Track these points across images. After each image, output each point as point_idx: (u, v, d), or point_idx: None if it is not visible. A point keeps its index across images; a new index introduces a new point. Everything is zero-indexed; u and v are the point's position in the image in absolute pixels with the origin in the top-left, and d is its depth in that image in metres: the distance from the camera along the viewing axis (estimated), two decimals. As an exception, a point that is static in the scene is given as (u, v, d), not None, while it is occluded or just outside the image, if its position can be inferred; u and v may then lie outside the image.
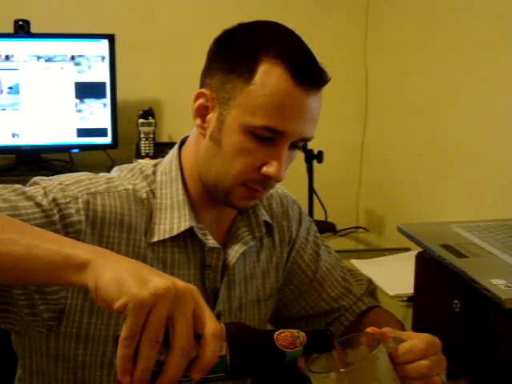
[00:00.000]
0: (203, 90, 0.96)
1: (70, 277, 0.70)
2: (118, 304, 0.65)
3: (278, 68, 0.90)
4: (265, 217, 1.07)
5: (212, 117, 0.95)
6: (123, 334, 0.65)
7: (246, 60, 0.91)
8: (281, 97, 0.89)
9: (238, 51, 0.93)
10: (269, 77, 0.89)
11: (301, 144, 0.97)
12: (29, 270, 0.72)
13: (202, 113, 0.96)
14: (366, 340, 0.81)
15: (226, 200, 0.96)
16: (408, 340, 0.84)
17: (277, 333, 0.72)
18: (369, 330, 0.82)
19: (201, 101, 0.96)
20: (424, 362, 0.82)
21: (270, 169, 0.92)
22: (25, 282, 0.77)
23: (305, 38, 0.97)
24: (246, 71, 0.91)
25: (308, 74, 0.91)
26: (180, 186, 0.99)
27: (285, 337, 0.72)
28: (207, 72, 0.97)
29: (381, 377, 0.78)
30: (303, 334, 0.73)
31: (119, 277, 0.68)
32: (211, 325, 0.67)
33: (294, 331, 0.73)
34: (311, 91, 0.91)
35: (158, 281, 0.67)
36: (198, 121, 0.97)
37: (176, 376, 0.65)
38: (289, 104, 0.90)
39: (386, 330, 0.85)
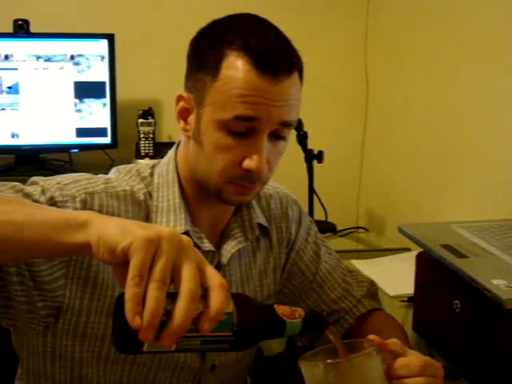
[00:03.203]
0: (182, 93, 0.97)
1: (72, 236, 0.68)
2: (122, 245, 0.64)
3: (241, 60, 0.89)
4: (259, 219, 1.07)
5: (192, 118, 0.95)
6: (130, 273, 0.62)
7: (212, 56, 0.91)
8: (247, 88, 0.88)
9: (204, 49, 0.93)
10: (233, 70, 0.89)
11: (284, 132, 0.94)
12: (30, 236, 0.70)
13: (184, 115, 0.97)
14: (366, 346, 0.80)
15: (219, 198, 0.96)
16: (407, 356, 0.83)
17: (276, 305, 0.74)
18: (371, 337, 0.81)
19: (181, 104, 0.97)
20: (419, 380, 0.81)
21: (250, 162, 0.91)
22: (27, 251, 0.73)
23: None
24: (212, 67, 0.91)
25: (271, 61, 0.89)
26: (176, 188, 0.99)
27: (284, 308, 0.73)
28: (186, 74, 0.98)
29: (367, 378, 0.78)
30: (301, 309, 0.74)
31: (123, 224, 0.67)
32: (217, 277, 0.66)
33: (292, 306, 0.74)
34: (278, 78, 0.89)
35: (161, 227, 0.67)
36: (182, 124, 0.98)
37: (185, 321, 0.62)
38: (256, 94, 0.89)
39: (392, 342, 0.84)
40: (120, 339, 0.65)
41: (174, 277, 0.64)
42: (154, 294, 0.62)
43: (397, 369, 0.81)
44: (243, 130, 0.90)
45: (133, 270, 0.62)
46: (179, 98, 0.97)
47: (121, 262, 0.65)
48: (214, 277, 0.66)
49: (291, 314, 0.73)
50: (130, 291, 0.62)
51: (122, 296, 0.64)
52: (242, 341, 0.69)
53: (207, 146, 0.93)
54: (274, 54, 0.90)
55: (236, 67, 0.89)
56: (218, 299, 0.64)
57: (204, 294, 0.65)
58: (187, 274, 0.64)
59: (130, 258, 0.63)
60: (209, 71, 0.91)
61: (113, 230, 0.66)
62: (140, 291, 0.62)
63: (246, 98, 0.88)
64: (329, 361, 0.76)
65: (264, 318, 0.72)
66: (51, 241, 0.69)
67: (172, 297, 0.63)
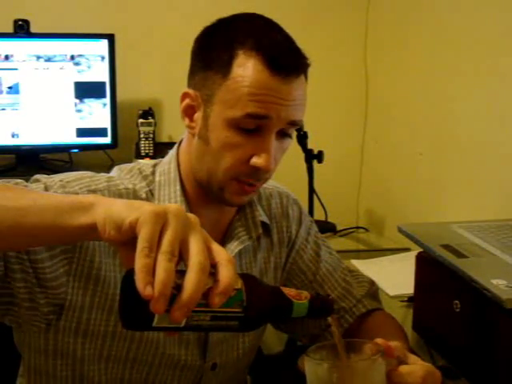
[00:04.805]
0: (187, 90, 0.97)
1: (78, 219, 0.67)
2: (129, 219, 0.63)
3: (253, 60, 0.90)
4: (262, 217, 1.08)
5: (198, 115, 0.96)
6: (139, 245, 0.61)
7: (222, 55, 0.92)
8: (259, 87, 0.90)
9: (214, 47, 0.94)
10: (245, 69, 0.90)
11: (290, 130, 0.96)
12: (34, 221, 0.69)
13: (189, 113, 0.98)
14: (371, 348, 0.81)
15: (219, 197, 0.97)
16: (410, 363, 0.84)
17: (282, 287, 0.74)
18: (378, 340, 0.81)
19: (186, 101, 0.97)
20: None
21: (258, 160, 0.92)
22: (31, 236, 0.71)
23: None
24: (223, 66, 0.92)
25: (283, 62, 0.91)
26: (178, 187, 0.99)
27: (290, 290, 0.74)
28: (190, 71, 0.98)
29: (370, 382, 0.78)
30: (306, 292, 0.75)
31: (128, 202, 0.67)
32: (224, 253, 0.66)
33: (297, 289, 0.75)
34: (289, 78, 0.91)
35: (167, 204, 0.66)
36: (187, 121, 0.98)
37: (196, 292, 0.61)
38: (268, 93, 0.90)
39: (395, 344, 0.84)
40: (129, 314, 0.64)
41: (181, 252, 0.63)
42: (163, 265, 0.61)
43: (399, 376, 0.82)
44: (252, 127, 0.92)
45: (141, 242, 0.62)
46: (185, 95, 0.98)
47: (126, 242, 0.64)
48: (221, 253, 0.66)
49: (297, 295, 0.73)
50: (140, 262, 0.61)
51: (129, 272, 0.63)
52: (250, 318, 0.69)
53: (215, 143, 0.94)
54: (286, 55, 0.92)
55: (248, 66, 0.90)
56: (227, 273, 0.64)
57: (212, 272, 0.65)
58: (195, 248, 0.63)
59: (138, 232, 0.62)
60: (219, 70, 0.92)
61: (119, 208, 0.65)
62: (150, 262, 0.61)
63: (258, 97, 0.90)
64: (334, 363, 0.77)
65: (272, 296, 0.72)
66: (56, 224, 0.68)
67: (181, 273, 0.63)
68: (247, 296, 0.68)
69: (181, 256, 0.63)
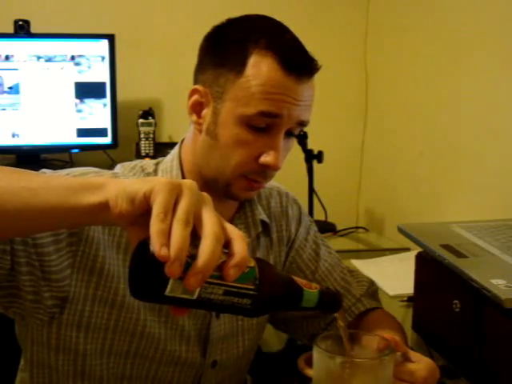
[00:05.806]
0: (197, 87, 0.98)
1: (89, 197, 0.66)
2: (143, 190, 0.62)
3: (268, 59, 0.91)
4: (262, 216, 1.09)
5: (207, 112, 0.97)
6: (154, 211, 0.60)
7: (236, 54, 0.93)
8: (272, 85, 0.91)
9: (227, 46, 0.95)
10: (259, 68, 0.91)
11: (297, 130, 0.97)
12: (46, 201, 0.68)
13: (197, 109, 0.98)
14: (377, 342, 0.81)
15: (227, 192, 0.98)
16: (415, 362, 0.86)
17: (292, 275, 0.74)
18: (388, 337, 0.82)
19: (195, 97, 0.98)
20: None
21: (267, 158, 0.94)
22: (42, 217, 0.69)
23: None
24: (237, 64, 0.93)
25: (297, 63, 0.92)
26: None
27: (300, 279, 0.74)
28: (199, 68, 0.99)
29: (380, 379, 0.78)
30: (316, 284, 0.75)
31: (141, 178, 0.67)
32: (236, 230, 0.65)
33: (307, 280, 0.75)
34: (302, 79, 0.93)
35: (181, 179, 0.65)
36: (194, 117, 0.99)
37: (211, 260, 0.60)
38: (281, 92, 0.92)
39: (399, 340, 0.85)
40: (141, 280, 0.62)
41: (195, 224, 0.63)
42: (179, 231, 0.59)
43: (402, 372, 0.83)
44: (263, 125, 0.93)
45: (156, 208, 0.61)
46: (193, 92, 0.98)
47: (136, 221, 0.63)
48: (233, 230, 0.65)
49: (308, 284, 0.73)
50: (155, 227, 0.59)
51: (143, 240, 0.62)
52: (262, 297, 0.67)
53: (225, 139, 0.94)
54: (300, 56, 0.94)
55: (263, 65, 0.91)
56: (241, 247, 0.63)
57: (225, 251, 0.64)
58: (210, 219, 0.63)
59: (153, 201, 0.61)
60: (233, 68, 0.93)
61: (132, 182, 0.65)
62: (165, 227, 0.60)
63: (272, 96, 0.91)
64: (347, 358, 0.77)
65: (283, 279, 0.72)
66: (67, 203, 0.67)
67: (195, 246, 0.62)
68: (260, 274, 0.67)
69: (194, 232, 0.62)
